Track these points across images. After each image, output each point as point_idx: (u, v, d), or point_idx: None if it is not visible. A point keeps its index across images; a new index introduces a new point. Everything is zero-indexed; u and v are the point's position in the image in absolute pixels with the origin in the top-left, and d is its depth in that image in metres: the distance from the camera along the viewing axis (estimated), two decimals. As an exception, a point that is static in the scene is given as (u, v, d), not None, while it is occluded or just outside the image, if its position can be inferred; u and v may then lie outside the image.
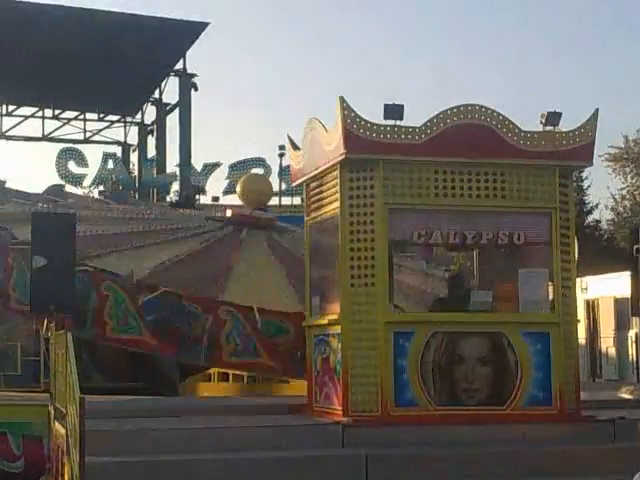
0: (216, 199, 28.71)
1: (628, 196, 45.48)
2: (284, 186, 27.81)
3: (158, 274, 16.23)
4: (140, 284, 15.67)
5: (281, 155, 27.32)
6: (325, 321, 11.06)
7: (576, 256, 11.35)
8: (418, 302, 12.24)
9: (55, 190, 25.11)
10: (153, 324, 15.44)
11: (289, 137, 12.39)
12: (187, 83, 33.42)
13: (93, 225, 17.63)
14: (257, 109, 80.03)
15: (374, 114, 10.55)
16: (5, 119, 36.37)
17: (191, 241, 17.85)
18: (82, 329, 15.12)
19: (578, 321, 11.30)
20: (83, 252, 15.54)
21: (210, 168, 31.02)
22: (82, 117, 36.89)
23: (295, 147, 12.05)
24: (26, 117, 36.71)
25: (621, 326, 26.55)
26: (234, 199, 24.68)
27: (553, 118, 10.92)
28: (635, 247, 13.51)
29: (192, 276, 16.35)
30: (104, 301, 15.44)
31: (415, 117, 10.77)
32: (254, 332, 15.40)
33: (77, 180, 31.69)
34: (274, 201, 27.08)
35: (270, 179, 27.90)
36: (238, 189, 20.42)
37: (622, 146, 44.73)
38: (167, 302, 15.51)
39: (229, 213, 19.54)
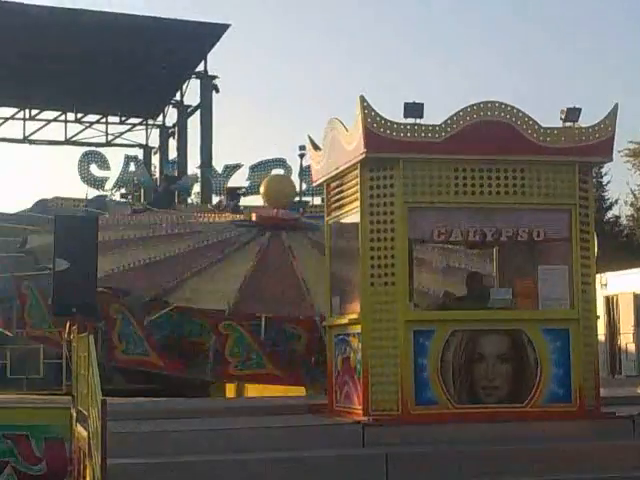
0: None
1: (648, 192, 45.30)
2: (304, 186, 27.80)
3: (246, 302, 16.30)
4: (149, 303, 15.80)
5: (301, 155, 27.29)
6: (345, 321, 11.07)
7: (595, 252, 11.30)
8: (435, 301, 12.16)
9: (99, 201, 25.21)
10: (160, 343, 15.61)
11: (309, 137, 12.40)
12: (208, 85, 33.47)
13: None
14: (277, 110, 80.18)
15: (395, 113, 10.59)
16: (28, 123, 36.54)
17: (241, 256, 17.83)
18: None
19: (598, 317, 11.24)
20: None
21: (231, 169, 31.03)
22: (104, 120, 37.04)
23: (315, 147, 12.05)
24: (49, 121, 36.90)
25: (641, 322, 26.46)
26: (255, 200, 24.71)
27: (573, 114, 10.87)
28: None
29: (272, 295, 16.40)
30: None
31: (433, 115, 10.78)
32: (257, 344, 15.47)
33: (99, 183, 31.77)
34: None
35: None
36: (262, 190, 20.41)
37: (641, 141, 44.52)
38: (175, 318, 15.66)
39: (254, 216, 19.57)
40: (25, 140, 36.57)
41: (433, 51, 74.60)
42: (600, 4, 68.37)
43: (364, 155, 10.46)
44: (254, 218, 19.58)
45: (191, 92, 34.96)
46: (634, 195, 45.59)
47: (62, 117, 36.64)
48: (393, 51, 75.05)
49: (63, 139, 36.83)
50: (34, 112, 36.72)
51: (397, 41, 75.85)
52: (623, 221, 46.51)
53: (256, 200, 24.31)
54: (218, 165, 32.47)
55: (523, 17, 69.82)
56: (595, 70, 67.62)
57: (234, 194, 25.45)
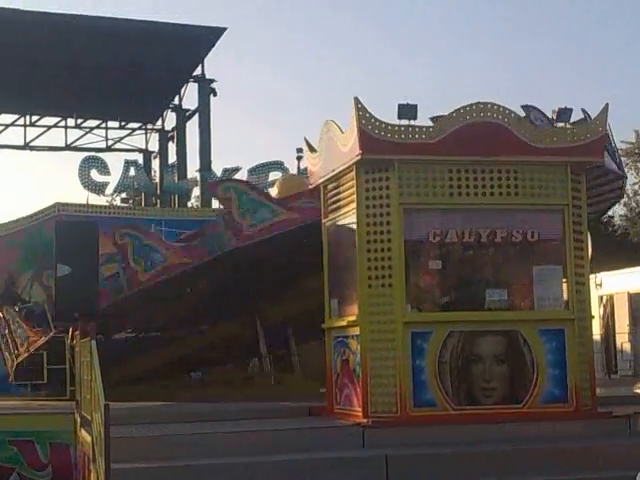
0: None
1: (641, 191, 45.37)
2: (302, 189, 27.86)
3: None
4: None
5: (299, 158, 27.35)
6: (344, 323, 11.15)
7: (590, 252, 11.39)
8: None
9: None
10: None
11: (306, 139, 12.48)
12: (206, 89, 33.49)
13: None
14: (275, 112, 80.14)
15: (390, 115, 10.68)
16: (29, 129, 36.60)
17: None
18: None
19: (592, 317, 11.33)
20: None
21: (230, 172, 31.11)
22: (104, 126, 37.06)
23: (312, 149, 12.14)
24: (49, 127, 36.93)
25: (636, 321, 26.47)
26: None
27: (564, 114, 10.98)
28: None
29: None
30: None
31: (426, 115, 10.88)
32: (259, 193, 15.36)
33: (99, 188, 31.87)
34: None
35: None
36: (275, 190, 20.50)
37: (634, 141, 44.58)
38: None
39: None
40: (26, 146, 36.61)
41: (426, 53, 74.64)
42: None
43: (359, 157, 10.56)
44: None
45: (189, 96, 35.03)
46: (627, 195, 45.62)
47: (62, 123, 36.65)
48: (388, 53, 75.11)
49: (63, 145, 36.86)
50: (34, 118, 36.75)
51: (391, 43, 75.88)
52: (617, 221, 46.55)
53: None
54: (217, 168, 32.59)
55: (520, 19, 69.79)
56: (588, 70, 67.63)
57: None
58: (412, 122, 10.65)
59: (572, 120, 11.11)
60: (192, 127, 35.00)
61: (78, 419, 11.50)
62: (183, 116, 35.51)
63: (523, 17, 70.35)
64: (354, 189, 10.83)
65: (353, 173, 10.84)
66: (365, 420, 10.32)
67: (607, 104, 10.96)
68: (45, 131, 36.96)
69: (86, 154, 34.48)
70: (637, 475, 5.41)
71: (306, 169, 14.42)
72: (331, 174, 11.46)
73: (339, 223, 11.57)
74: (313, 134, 12.08)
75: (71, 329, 15.06)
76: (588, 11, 68.17)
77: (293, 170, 28.75)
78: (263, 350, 16.86)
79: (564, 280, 10.82)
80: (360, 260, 10.64)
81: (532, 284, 10.79)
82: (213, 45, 32.86)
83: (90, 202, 29.65)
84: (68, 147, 36.83)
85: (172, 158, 36.01)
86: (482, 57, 70.85)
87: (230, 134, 71.52)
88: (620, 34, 66.61)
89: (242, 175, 30.44)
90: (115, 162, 34.20)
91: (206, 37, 32.28)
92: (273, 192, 20.38)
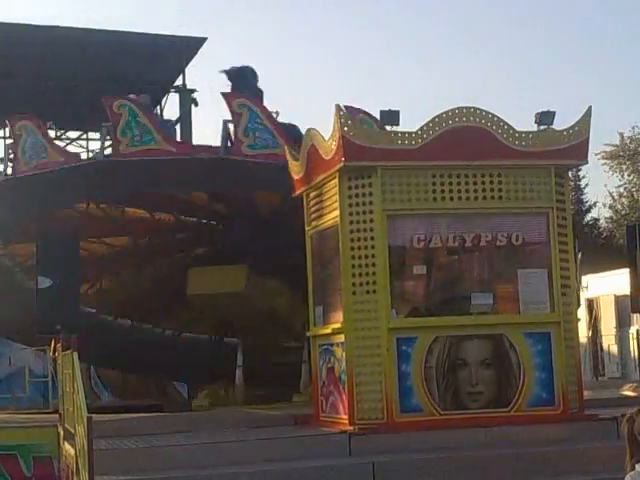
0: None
1: (625, 193, 45.43)
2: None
3: None
4: None
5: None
6: (329, 330, 11.10)
7: (579, 256, 11.39)
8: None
9: None
10: None
11: (287, 148, 12.44)
12: (187, 99, 33.40)
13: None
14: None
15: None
16: (9, 141, 36.48)
17: None
18: None
19: (578, 320, 11.30)
20: None
21: (213, 181, 31.05)
22: (85, 137, 36.96)
23: (294, 158, 12.10)
24: (29, 139, 36.79)
25: (622, 323, 26.53)
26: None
27: (547, 117, 10.96)
28: (632, 243, 13.51)
29: None
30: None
31: (412, 121, 10.85)
32: (271, 122, 15.23)
33: (82, 199, 31.74)
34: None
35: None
36: None
37: (618, 143, 44.70)
38: None
39: None
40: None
41: (412, 57, 74.79)
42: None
43: (342, 164, 10.51)
44: None
45: (170, 106, 34.96)
46: (612, 197, 45.80)
47: (42, 135, 36.53)
48: (377, 57, 75.18)
49: (44, 156, 36.72)
50: (14, 130, 36.60)
51: (375, 50, 76.01)
52: (602, 223, 46.66)
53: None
54: (200, 178, 32.53)
55: (506, 20, 70.04)
56: (572, 73, 67.87)
57: None
58: (395, 128, 10.61)
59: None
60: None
61: (61, 432, 11.40)
62: (164, 127, 35.43)
63: (513, 12, 70.51)
64: (337, 196, 10.78)
65: (336, 180, 10.79)
66: (351, 427, 10.25)
67: (590, 106, 10.97)
68: (26, 143, 36.81)
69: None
70: (624, 478, 5.35)
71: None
72: (313, 182, 11.42)
73: (322, 231, 11.52)
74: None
75: (53, 341, 14.94)
76: (573, 13, 68.43)
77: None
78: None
79: (549, 283, 10.79)
80: (344, 267, 10.59)
81: (517, 287, 10.75)
82: (194, 55, 32.81)
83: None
84: (49, 159, 36.65)
85: (154, 168, 35.94)
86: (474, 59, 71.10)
87: (212, 143, 71.28)
88: (604, 36, 66.87)
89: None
90: (97, 173, 34.10)
91: (186, 47, 32.20)
92: None
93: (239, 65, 16.60)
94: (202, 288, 15.72)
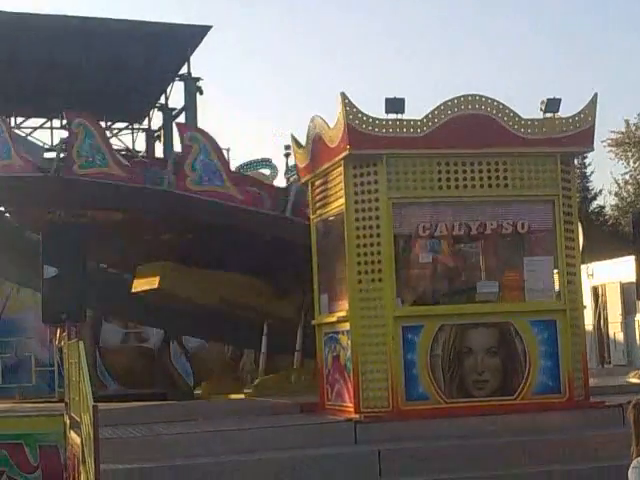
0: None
1: (631, 181, 45.32)
2: (291, 186, 27.80)
3: None
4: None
5: (287, 155, 27.24)
6: (334, 319, 11.09)
7: (581, 243, 11.35)
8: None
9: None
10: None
11: (293, 136, 12.42)
12: (192, 87, 33.36)
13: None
14: (262, 109, 80.00)
15: (378, 110, 10.59)
16: (15, 132, 36.47)
17: None
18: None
19: (584, 307, 11.29)
20: None
21: (217, 171, 31.01)
22: (90, 126, 36.95)
23: (299, 146, 12.07)
24: (35, 129, 36.81)
25: (628, 311, 26.49)
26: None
27: (553, 105, 10.91)
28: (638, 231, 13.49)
29: None
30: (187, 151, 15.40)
31: (419, 110, 10.81)
32: (221, 160, 15.25)
33: (87, 188, 31.73)
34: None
35: (278, 179, 27.91)
36: None
37: (623, 130, 44.58)
38: None
39: None
40: (12, 148, 36.49)
41: (419, 49, 74.68)
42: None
43: (347, 152, 10.48)
44: None
45: (175, 95, 34.91)
46: (618, 185, 45.69)
47: (48, 124, 36.54)
48: (376, 48, 75.04)
49: (50, 146, 36.73)
50: (19, 120, 36.63)
51: (379, 38, 75.84)
52: (608, 211, 46.59)
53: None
54: (205, 167, 32.50)
55: (510, 10, 69.86)
56: (577, 61, 67.68)
57: None
58: (400, 116, 10.58)
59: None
60: (179, 126, 34.89)
61: (67, 421, 11.43)
62: (169, 115, 35.36)
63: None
64: (342, 184, 10.76)
65: (341, 168, 10.77)
66: (357, 415, 10.25)
67: (596, 93, 10.93)
68: (31, 132, 36.85)
69: (73, 155, 34.35)
70: (630, 465, 5.35)
71: (294, 166, 14.38)
72: (319, 170, 11.39)
73: (327, 219, 11.50)
74: (301, 131, 12.03)
75: (59, 330, 14.98)
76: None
77: (281, 167, 28.67)
78: None
79: (555, 271, 10.77)
80: (349, 255, 10.57)
81: (523, 275, 10.73)
82: (198, 43, 32.75)
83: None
84: (54, 148, 36.69)
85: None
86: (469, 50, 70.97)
87: (217, 132, 71.23)
88: (608, 23, 66.67)
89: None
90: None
91: (191, 35, 32.14)
92: None
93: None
94: (136, 286, 15.98)
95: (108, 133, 37.13)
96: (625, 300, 26.30)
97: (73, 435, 10.68)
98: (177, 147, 34.82)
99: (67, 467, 11.44)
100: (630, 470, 5.33)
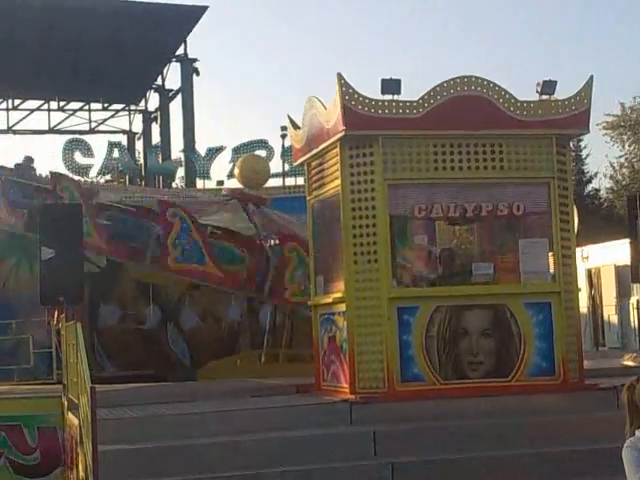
0: (221, 183, 28.70)
1: (626, 164, 45.45)
2: (287, 167, 27.78)
3: None
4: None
5: (283, 136, 27.22)
6: (330, 300, 11.13)
7: (576, 225, 11.37)
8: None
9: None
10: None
11: (289, 117, 12.41)
12: (189, 68, 33.32)
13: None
14: (259, 91, 79.88)
15: (374, 93, 10.60)
16: (12, 113, 36.40)
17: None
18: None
19: (579, 290, 11.32)
20: None
21: (214, 152, 30.95)
22: (87, 108, 36.87)
23: (296, 127, 12.07)
24: (32, 110, 36.75)
25: (622, 294, 26.55)
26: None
27: (549, 87, 10.90)
28: (633, 213, 13.48)
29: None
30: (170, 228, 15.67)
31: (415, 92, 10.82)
32: (202, 239, 15.40)
33: (83, 171, 31.66)
34: (278, 182, 27.15)
35: (274, 160, 27.93)
36: (236, 171, 20.59)
37: (619, 114, 44.59)
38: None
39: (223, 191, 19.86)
40: (9, 130, 36.41)
41: (411, 36, 74.49)
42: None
43: (343, 133, 10.49)
44: (223, 192, 19.84)
45: (172, 76, 34.85)
46: (613, 168, 45.78)
47: (45, 106, 36.49)
48: (372, 31, 74.92)
49: (47, 128, 36.70)
50: (17, 102, 36.56)
51: (375, 20, 75.71)
52: (603, 194, 46.76)
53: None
54: (201, 148, 32.42)
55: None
56: (573, 42, 67.57)
57: None
58: (396, 97, 10.58)
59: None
60: (176, 107, 34.86)
61: (65, 402, 11.46)
62: (166, 96, 35.33)
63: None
64: (338, 165, 10.77)
65: (337, 149, 10.79)
66: (353, 396, 10.30)
67: (592, 76, 10.92)
68: (28, 114, 36.80)
69: (70, 137, 34.31)
70: (624, 445, 5.40)
71: (291, 147, 14.40)
72: (315, 151, 11.41)
73: (323, 200, 11.52)
74: (297, 111, 12.04)
75: (56, 312, 14.97)
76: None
77: (278, 148, 28.68)
78: None
79: (550, 253, 10.80)
80: (345, 236, 10.60)
81: (518, 257, 10.76)
82: (195, 24, 32.67)
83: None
84: (52, 130, 36.66)
85: (156, 139, 35.86)
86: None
87: (214, 113, 71.22)
88: (605, 7, 66.53)
89: (227, 154, 30.29)
90: (99, 144, 34.06)
91: (188, 16, 32.06)
92: (235, 172, 20.67)
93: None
94: None
95: (105, 115, 37.25)
96: (620, 283, 26.35)
97: (71, 417, 10.71)
98: (173, 129, 35.02)
99: (65, 448, 11.47)
100: (624, 449, 5.37)
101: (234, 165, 25.61)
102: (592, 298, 27.75)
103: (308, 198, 11.89)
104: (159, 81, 35.59)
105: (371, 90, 10.54)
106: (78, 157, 32.03)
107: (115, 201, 17.44)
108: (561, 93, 10.98)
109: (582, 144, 44.52)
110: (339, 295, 10.83)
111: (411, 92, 10.62)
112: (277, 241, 16.13)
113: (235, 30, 77.79)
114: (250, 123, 71.94)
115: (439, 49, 71.19)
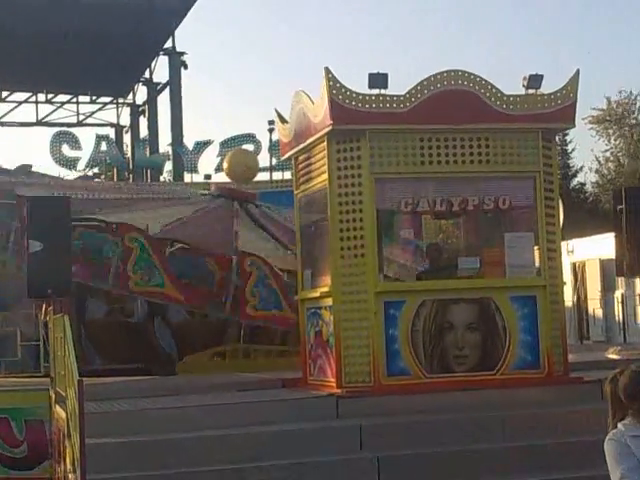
0: (208, 177, 28.75)
1: (612, 158, 45.60)
2: (274, 161, 27.84)
3: (173, 231, 16.53)
4: (161, 239, 15.90)
5: (271, 130, 27.29)
6: (317, 294, 11.14)
7: (561, 219, 11.41)
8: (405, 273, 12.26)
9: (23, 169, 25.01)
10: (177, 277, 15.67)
11: (277, 111, 12.42)
12: (176, 62, 33.36)
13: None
14: (246, 85, 79.85)
15: (362, 87, 10.60)
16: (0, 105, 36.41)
17: (190, 207, 18.14)
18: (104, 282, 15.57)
19: (564, 283, 11.36)
20: (86, 210, 15.97)
21: (202, 146, 30.99)
22: (75, 100, 36.86)
23: (283, 120, 12.08)
24: (20, 103, 36.73)
25: (607, 287, 26.69)
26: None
27: (535, 81, 10.93)
28: (618, 207, 13.54)
29: (203, 235, 16.60)
30: (129, 253, 15.56)
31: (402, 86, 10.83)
32: (278, 285, 15.44)
33: (71, 163, 31.70)
34: (266, 176, 27.18)
35: (261, 154, 27.96)
36: (225, 165, 20.60)
37: (604, 108, 44.70)
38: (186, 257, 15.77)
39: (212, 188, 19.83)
40: (-3, 123, 36.42)
41: (402, 29, 74.44)
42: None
43: (330, 127, 10.50)
44: (212, 188, 19.86)
45: (160, 69, 34.84)
46: (599, 162, 45.92)
47: (33, 98, 36.48)
48: (362, 26, 74.85)
49: (34, 120, 36.68)
50: (4, 94, 36.54)
51: (375, 20, 75.66)
52: (588, 188, 46.93)
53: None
54: (189, 142, 32.44)
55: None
56: (559, 37, 67.61)
57: None
58: (383, 91, 10.60)
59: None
60: (164, 100, 34.88)
61: (53, 395, 11.47)
62: (154, 90, 35.35)
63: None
64: (325, 160, 10.78)
65: (324, 144, 10.79)
66: (339, 390, 10.32)
67: (578, 70, 10.95)
68: (16, 107, 36.76)
69: (57, 129, 34.30)
70: (606, 437, 5.44)
71: (278, 141, 14.40)
72: (302, 145, 11.42)
73: (311, 194, 11.54)
74: (285, 106, 12.05)
75: (44, 305, 14.96)
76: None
77: (265, 142, 28.71)
78: None
79: (536, 247, 10.84)
80: (332, 231, 10.62)
81: (504, 251, 10.79)
82: (183, 17, 32.67)
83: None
84: (39, 122, 36.64)
85: (144, 132, 35.87)
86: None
87: (202, 107, 71.13)
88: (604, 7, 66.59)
89: (214, 147, 30.33)
90: (87, 137, 34.05)
91: (176, 9, 32.07)
92: (224, 166, 20.67)
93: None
94: None
95: (93, 107, 37.19)
96: (604, 277, 26.48)
97: (58, 410, 10.72)
98: (161, 122, 35.02)
99: (52, 441, 11.49)
100: (606, 442, 5.40)
101: (222, 159, 25.67)
102: (577, 292, 27.86)
103: (295, 192, 11.91)
104: (147, 74, 35.59)
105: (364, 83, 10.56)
106: (66, 150, 32.07)
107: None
108: (547, 89, 11.03)
109: (568, 138, 44.70)
110: (326, 289, 10.84)
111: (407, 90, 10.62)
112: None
113: (223, 23, 77.69)
114: (238, 117, 71.95)
115: (439, 49, 71.17)
